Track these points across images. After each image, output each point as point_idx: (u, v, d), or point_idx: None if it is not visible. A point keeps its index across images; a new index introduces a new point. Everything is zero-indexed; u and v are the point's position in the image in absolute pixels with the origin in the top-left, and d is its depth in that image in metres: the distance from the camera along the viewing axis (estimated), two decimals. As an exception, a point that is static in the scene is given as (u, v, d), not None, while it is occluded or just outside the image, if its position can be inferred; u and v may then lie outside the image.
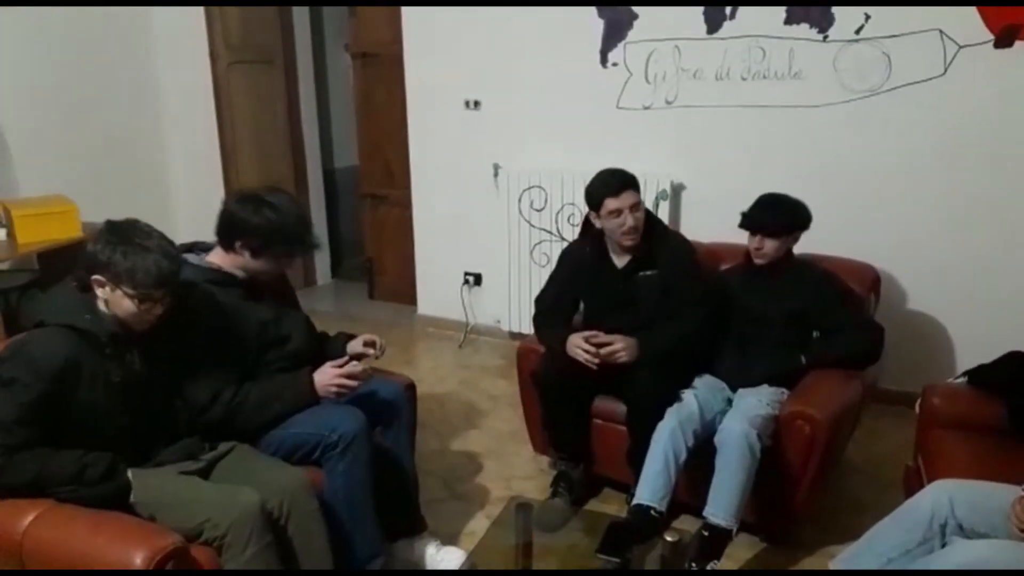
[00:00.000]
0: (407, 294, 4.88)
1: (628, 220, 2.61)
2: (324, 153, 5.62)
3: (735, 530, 2.32)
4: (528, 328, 4.07)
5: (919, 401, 2.61)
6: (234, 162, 4.84)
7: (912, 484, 2.44)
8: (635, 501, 2.38)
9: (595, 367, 2.53)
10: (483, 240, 4.27)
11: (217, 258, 2.25)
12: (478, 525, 2.69)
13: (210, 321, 2.15)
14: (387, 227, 5.04)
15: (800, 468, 2.44)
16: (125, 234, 1.90)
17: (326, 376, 2.24)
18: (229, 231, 2.21)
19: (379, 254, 5.18)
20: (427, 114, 4.34)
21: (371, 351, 2.47)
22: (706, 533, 2.31)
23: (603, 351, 2.52)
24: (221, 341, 2.17)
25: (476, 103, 4.15)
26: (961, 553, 1.83)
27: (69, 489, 1.82)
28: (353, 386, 2.25)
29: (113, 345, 1.92)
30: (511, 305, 4.18)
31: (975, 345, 3.01)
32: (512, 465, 3.11)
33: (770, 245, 2.66)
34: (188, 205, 4.81)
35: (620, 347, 2.53)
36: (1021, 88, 3.05)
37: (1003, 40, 3.02)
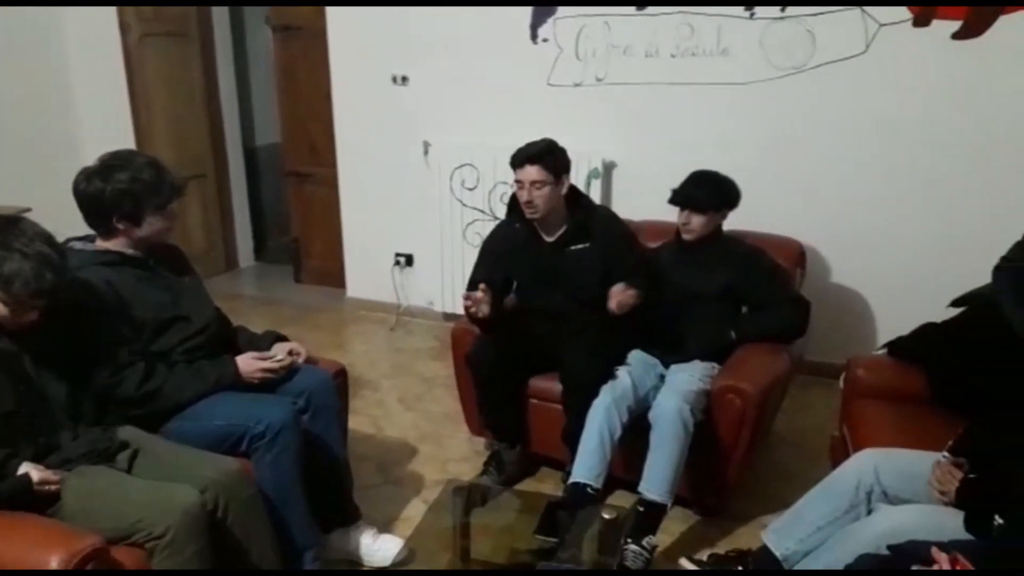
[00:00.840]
0: (335, 276, 4.77)
1: (523, 195, 2.62)
2: (245, 130, 5.42)
3: (670, 504, 2.35)
4: (462, 308, 4.03)
5: (844, 373, 2.69)
6: (149, 141, 4.61)
7: (838, 454, 2.51)
8: (572, 479, 2.38)
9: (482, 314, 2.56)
10: (414, 220, 4.20)
11: (105, 245, 2.16)
12: (415, 510, 2.65)
13: (104, 302, 2.06)
14: (313, 207, 4.91)
15: (732, 441, 2.48)
16: (4, 235, 1.78)
17: (251, 366, 2.20)
18: (99, 214, 2.11)
19: (305, 235, 5.04)
20: (353, 90, 4.22)
21: (296, 359, 2.37)
22: (641, 508, 2.34)
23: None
24: (118, 321, 2.08)
25: (404, 79, 4.05)
26: (886, 519, 1.88)
27: None
28: (273, 377, 2.24)
29: None
30: (444, 286, 4.12)
31: (895, 317, 3.10)
32: (448, 448, 3.07)
33: (697, 221, 2.68)
34: (100, 186, 4.56)
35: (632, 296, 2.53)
36: (939, 65, 3.14)
37: (921, 19, 3.10)
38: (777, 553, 2.11)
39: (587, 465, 2.37)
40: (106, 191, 2.07)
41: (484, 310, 2.55)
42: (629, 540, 2.25)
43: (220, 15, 4.97)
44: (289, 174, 4.93)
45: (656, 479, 2.33)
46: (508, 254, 2.78)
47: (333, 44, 4.19)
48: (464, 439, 3.10)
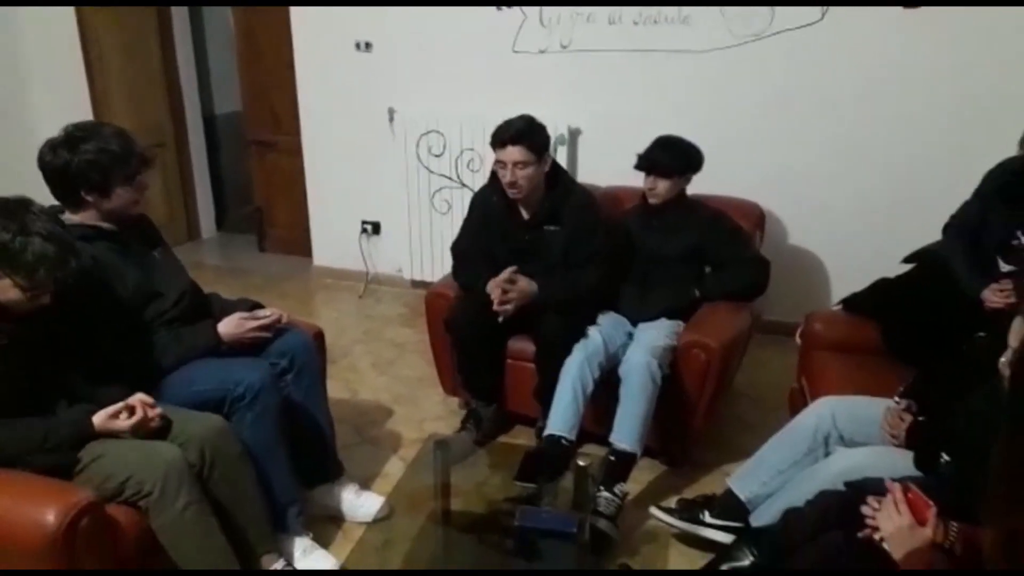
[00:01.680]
0: (301, 245, 4.77)
1: (507, 175, 2.64)
2: (203, 99, 5.35)
3: (639, 453, 2.46)
4: (431, 275, 4.10)
5: (800, 329, 2.82)
6: (106, 111, 4.54)
7: (797, 403, 2.65)
8: (547, 431, 2.48)
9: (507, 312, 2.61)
10: (380, 187, 4.21)
11: (75, 219, 2.15)
12: (393, 467, 2.74)
13: (94, 279, 2.05)
14: (276, 176, 4.89)
15: (696, 393, 2.61)
16: (21, 218, 1.74)
17: (241, 327, 2.23)
18: (66, 185, 2.09)
19: (269, 204, 5.02)
20: (315, 57, 4.20)
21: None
22: (612, 458, 2.44)
23: (503, 295, 2.60)
24: (110, 297, 2.09)
25: (367, 45, 4.04)
26: (842, 460, 2.02)
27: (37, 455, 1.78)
28: (268, 336, 2.27)
29: None
30: (412, 253, 4.16)
31: (848, 277, 3.25)
32: (423, 408, 3.15)
33: (663, 185, 2.77)
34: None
35: (513, 296, 2.61)
36: (886, 33, 3.25)
37: (873, -12, 3.22)
38: (742, 496, 2.24)
39: (562, 418, 2.47)
40: (73, 162, 2.05)
41: (509, 309, 2.62)
42: (601, 488, 2.36)
43: (175, -20, 4.89)
44: (251, 143, 4.90)
45: (626, 429, 2.44)
46: (487, 223, 2.82)
47: (295, 11, 4.15)
48: (438, 400, 3.17)
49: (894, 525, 1.50)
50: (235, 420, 2.13)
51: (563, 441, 2.44)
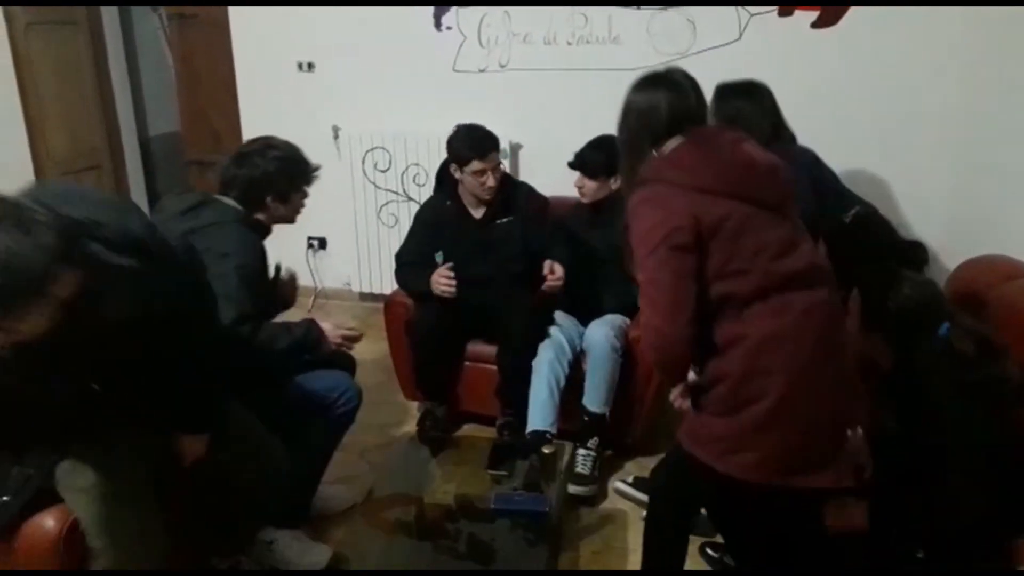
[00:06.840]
0: (245, 263, 4.80)
1: (489, 181, 2.83)
2: (138, 121, 5.33)
3: (608, 414, 2.71)
4: (380, 287, 4.22)
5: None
6: (41, 134, 4.48)
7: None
8: (530, 428, 2.68)
9: (452, 295, 2.77)
10: (326, 204, 4.22)
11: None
12: (360, 470, 2.86)
13: (242, 257, 2.21)
14: (217, 196, 4.91)
15: (645, 384, 2.82)
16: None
17: (333, 331, 2.37)
18: (256, 191, 2.29)
19: (210, 224, 5.03)
20: (258, 77, 4.29)
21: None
22: (586, 419, 2.70)
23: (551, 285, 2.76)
24: (251, 277, 2.24)
25: (310, 65, 4.16)
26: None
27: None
28: (350, 349, 2.48)
29: None
30: (360, 267, 4.26)
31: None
32: (383, 414, 3.25)
33: (589, 185, 2.94)
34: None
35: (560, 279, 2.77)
36: (800, 51, 3.55)
37: (784, 10, 3.49)
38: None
39: (541, 414, 2.67)
40: (268, 169, 2.29)
41: (453, 290, 2.78)
42: (577, 445, 2.65)
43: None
44: (190, 163, 4.92)
45: (595, 395, 2.70)
46: (437, 229, 2.98)
47: (235, 32, 4.24)
48: (398, 405, 3.29)
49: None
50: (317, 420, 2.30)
51: (547, 435, 2.64)
